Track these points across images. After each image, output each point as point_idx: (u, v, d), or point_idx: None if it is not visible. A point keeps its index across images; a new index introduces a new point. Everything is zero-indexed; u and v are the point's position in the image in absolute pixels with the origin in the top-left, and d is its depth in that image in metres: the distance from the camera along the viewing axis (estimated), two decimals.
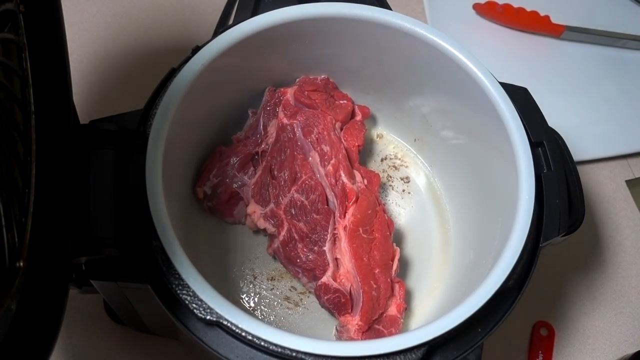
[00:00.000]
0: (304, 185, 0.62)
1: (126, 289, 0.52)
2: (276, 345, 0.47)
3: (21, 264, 0.38)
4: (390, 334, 0.58)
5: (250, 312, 0.62)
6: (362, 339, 0.57)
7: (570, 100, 0.81)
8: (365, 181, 0.63)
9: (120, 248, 0.48)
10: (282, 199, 0.62)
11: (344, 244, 0.60)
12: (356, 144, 0.65)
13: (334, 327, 0.62)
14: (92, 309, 0.66)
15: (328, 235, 0.60)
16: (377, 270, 0.59)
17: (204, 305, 0.48)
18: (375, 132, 0.73)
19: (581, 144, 0.76)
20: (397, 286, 0.60)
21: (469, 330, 0.50)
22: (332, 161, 0.62)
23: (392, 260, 0.60)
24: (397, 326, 0.59)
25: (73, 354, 0.65)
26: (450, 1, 0.85)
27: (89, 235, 0.47)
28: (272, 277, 0.64)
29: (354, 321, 0.58)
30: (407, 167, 0.71)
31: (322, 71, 0.67)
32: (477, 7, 0.85)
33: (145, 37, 0.81)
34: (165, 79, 0.57)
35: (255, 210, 0.63)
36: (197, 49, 0.57)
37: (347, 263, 0.59)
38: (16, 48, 0.41)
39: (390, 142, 0.73)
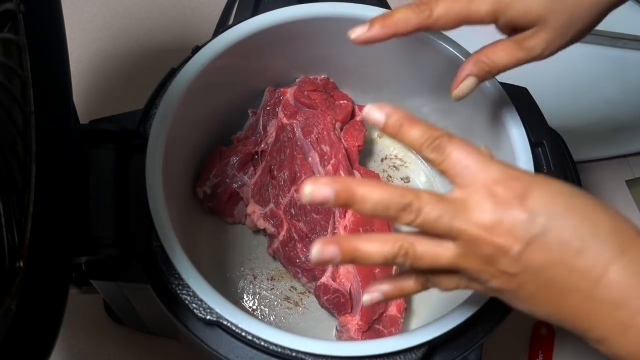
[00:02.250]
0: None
1: (126, 289, 0.52)
2: (276, 345, 0.47)
3: (21, 264, 0.38)
4: (391, 334, 0.58)
5: (250, 312, 0.62)
6: (362, 339, 0.57)
7: (570, 100, 0.81)
8: None
9: (120, 248, 0.48)
10: (282, 199, 0.62)
11: None
12: (356, 144, 0.65)
13: (334, 327, 0.62)
14: (92, 309, 0.66)
15: (328, 235, 0.60)
16: (377, 270, 0.59)
17: (204, 305, 0.48)
18: (375, 132, 0.73)
19: (581, 144, 0.76)
20: None
21: (469, 330, 0.50)
22: (332, 161, 0.62)
23: None
24: (397, 326, 0.59)
25: (73, 354, 0.65)
26: None
27: (89, 235, 0.47)
28: (272, 277, 0.64)
29: (354, 321, 0.58)
30: (407, 167, 0.71)
31: (322, 71, 0.67)
32: None
33: (146, 37, 0.81)
34: (165, 79, 0.57)
35: (254, 210, 0.63)
36: (197, 49, 0.57)
37: None
38: (16, 48, 0.41)
39: (390, 142, 0.73)
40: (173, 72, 0.57)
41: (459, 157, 0.37)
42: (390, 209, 0.36)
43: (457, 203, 0.37)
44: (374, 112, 0.39)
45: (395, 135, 0.39)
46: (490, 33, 0.89)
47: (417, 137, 0.38)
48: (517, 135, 0.56)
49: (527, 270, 0.36)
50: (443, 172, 0.38)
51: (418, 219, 0.36)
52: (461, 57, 0.58)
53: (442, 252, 0.37)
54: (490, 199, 0.36)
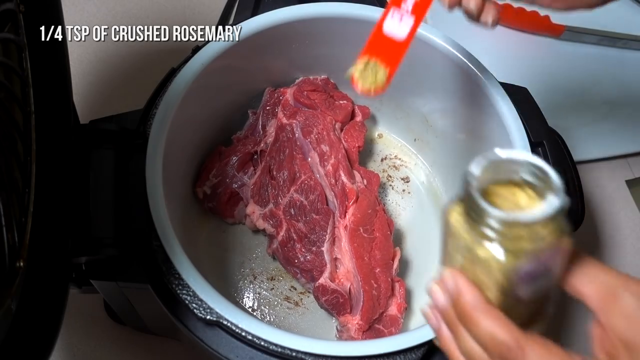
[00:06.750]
0: (303, 185, 0.62)
1: (126, 289, 0.52)
2: (276, 345, 0.47)
3: (21, 264, 0.38)
4: (391, 334, 0.58)
5: (250, 312, 0.62)
6: (362, 339, 0.57)
7: (570, 100, 0.81)
8: (365, 181, 0.63)
9: (120, 248, 0.48)
10: (282, 199, 0.62)
11: (344, 243, 0.60)
12: (356, 144, 0.65)
13: (334, 327, 0.62)
14: (92, 309, 0.66)
15: (327, 236, 0.60)
16: (378, 269, 0.59)
17: (204, 305, 0.48)
18: (375, 132, 0.73)
19: (581, 144, 0.76)
20: (397, 285, 0.60)
21: None
22: (332, 161, 0.62)
23: (393, 259, 0.60)
24: (398, 326, 0.59)
25: (73, 354, 0.65)
26: None
27: (89, 235, 0.47)
28: (272, 277, 0.64)
29: (354, 320, 0.58)
30: (407, 167, 0.71)
31: (322, 71, 0.67)
32: None
33: (146, 37, 0.81)
34: (165, 79, 0.57)
35: (254, 211, 0.63)
36: (197, 49, 0.57)
37: (347, 262, 0.59)
38: (16, 48, 0.41)
39: (390, 142, 0.73)
40: (173, 72, 0.57)
41: None
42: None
43: None
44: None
45: None
46: (491, 34, 0.89)
47: None
48: (517, 135, 0.55)
49: None
50: None
51: None
52: (462, 57, 0.58)
53: None
54: None
